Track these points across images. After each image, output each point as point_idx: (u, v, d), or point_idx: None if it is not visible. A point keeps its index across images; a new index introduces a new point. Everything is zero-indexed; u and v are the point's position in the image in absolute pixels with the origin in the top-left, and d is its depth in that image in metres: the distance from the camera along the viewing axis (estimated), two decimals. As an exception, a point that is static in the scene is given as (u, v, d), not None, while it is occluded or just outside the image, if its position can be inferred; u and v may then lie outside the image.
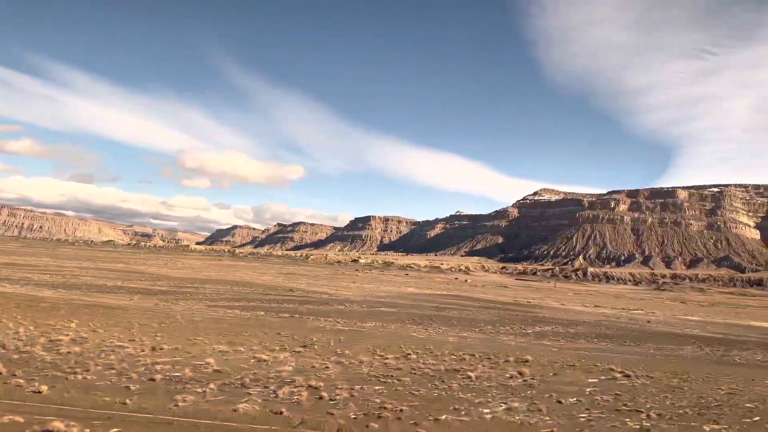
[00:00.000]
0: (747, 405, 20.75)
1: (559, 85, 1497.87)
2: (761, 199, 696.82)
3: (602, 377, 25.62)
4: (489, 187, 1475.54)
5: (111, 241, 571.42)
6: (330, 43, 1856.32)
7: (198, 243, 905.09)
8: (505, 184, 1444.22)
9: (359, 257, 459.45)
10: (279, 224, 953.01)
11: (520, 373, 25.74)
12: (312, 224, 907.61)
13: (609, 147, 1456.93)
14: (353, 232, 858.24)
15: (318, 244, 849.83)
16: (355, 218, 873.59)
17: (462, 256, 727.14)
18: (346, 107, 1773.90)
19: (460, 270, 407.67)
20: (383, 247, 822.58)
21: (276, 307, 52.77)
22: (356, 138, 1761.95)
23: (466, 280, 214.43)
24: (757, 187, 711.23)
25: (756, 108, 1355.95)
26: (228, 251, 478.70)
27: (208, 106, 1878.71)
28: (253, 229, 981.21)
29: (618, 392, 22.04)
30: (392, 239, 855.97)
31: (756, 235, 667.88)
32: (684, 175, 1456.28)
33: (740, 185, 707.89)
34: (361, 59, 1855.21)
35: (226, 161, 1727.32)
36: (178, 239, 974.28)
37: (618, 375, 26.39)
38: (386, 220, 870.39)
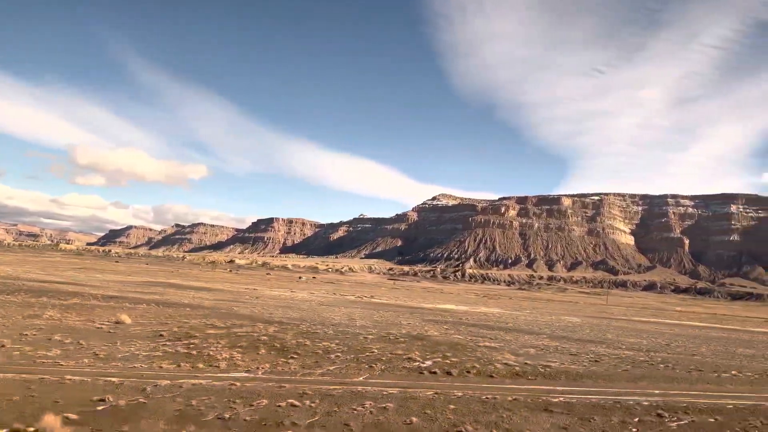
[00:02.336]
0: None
1: (465, 96, 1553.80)
2: (636, 207, 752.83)
3: None
4: (400, 191, 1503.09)
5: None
6: (242, 43, 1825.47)
7: (90, 243, 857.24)
8: (414, 188, 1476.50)
9: (236, 258, 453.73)
10: (177, 225, 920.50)
11: None
12: (212, 225, 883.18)
13: (510, 156, 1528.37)
14: (255, 234, 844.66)
15: (218, 246, 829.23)
16: (258, 220, 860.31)
17: (362, 258, 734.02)
18: (257, 108, 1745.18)
19: (337, 271, 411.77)
20: (286, 250, 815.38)
21: None
22: (266, 139, 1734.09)
23: (300, 277, 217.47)
24: (633, 196, 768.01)
25: (641, 125, 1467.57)
26: (103, 252, 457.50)
27: (108, 101, 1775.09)
28: (150, 229, 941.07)
29: None
30: (296, 241, 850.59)
31: (630, 240, 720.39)
32: (577, 184, 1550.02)
33: (618, 194, 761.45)
34: (273, 61, 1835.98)
35: (123, 158, 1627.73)
36: (68, 239, 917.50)
37: None
38: (290, 222, 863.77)
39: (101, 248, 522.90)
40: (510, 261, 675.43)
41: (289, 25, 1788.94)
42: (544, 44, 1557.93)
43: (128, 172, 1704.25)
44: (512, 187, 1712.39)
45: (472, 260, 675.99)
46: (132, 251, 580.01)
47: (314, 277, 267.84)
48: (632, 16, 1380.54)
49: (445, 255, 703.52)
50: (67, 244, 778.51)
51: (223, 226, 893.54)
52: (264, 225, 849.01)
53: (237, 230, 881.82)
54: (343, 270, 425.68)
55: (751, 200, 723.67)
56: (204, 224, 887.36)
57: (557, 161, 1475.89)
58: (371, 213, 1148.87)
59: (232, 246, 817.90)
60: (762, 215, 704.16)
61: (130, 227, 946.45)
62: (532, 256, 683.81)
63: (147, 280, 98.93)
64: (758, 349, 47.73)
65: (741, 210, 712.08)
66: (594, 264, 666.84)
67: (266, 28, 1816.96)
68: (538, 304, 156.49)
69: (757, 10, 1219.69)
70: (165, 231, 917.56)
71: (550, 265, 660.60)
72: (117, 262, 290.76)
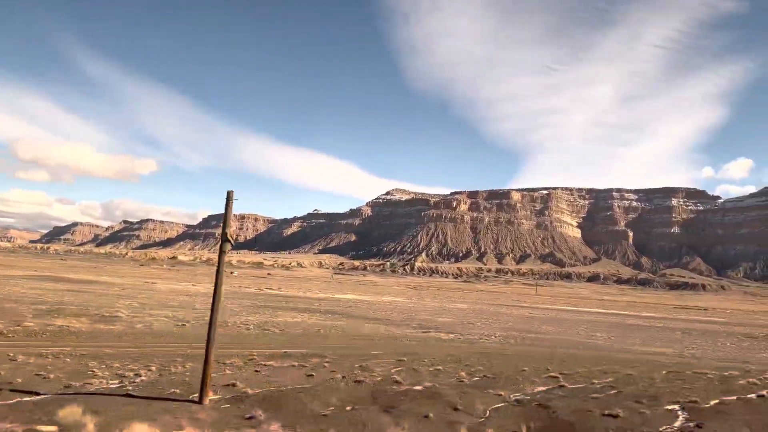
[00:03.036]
0: None
1: (421, 92, 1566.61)
2: (583, 201, 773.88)
3: None
4: (357, 186, 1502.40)
5: None
6: (194, 38, 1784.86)
7: (33, 241, 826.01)
8: (372, 183, 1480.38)
9: (181, 255, 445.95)
10: (125, 221, 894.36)
11: None
12: (162, 222, 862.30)
13: (465, 151, 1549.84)
14: (206, 230, 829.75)
15: (168, 243, 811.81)
16: (209, 216, 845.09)
17: (315, 253, 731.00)
18: (210, 102, 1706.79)
19: (283, 266, 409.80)
20: (238, 246, 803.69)
21: None
22: (220, 134, 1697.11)
23: (232, 272, 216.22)
24: (580, 190, 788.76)
25: (591, 121, 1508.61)
26: (41, 249, 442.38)
27: (52, 94, 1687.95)
28: (97, 226, 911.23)
29: None
30: (248, 237, 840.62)
31: (577, 233, 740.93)
32: (530, 179, 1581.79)
33: (566, 188, 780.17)
34: (228, 56, 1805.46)
35: (68, 153, 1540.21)
36: (10, 237, 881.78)
37: None
38: (242, 218, 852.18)
39: (42, 246, 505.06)
40: (461, 254, 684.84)
41: (243, 18, 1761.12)
42: (498, 42, 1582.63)
43: (74, 167, 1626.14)
44: (467, 182, 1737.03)
45: (424, 254, 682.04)
46: (76, 249, 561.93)
47: (269, 274, 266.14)
48: (582, 15, 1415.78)
49: (398, 249, 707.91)
50: (8, 242, 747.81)
51: (173, 222, 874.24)
52: (215, 221, 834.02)
53: (188, 226, 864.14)
54: (290, 265, 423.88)
55: (691, 194, 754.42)
56: (153, 220, 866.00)
57: (511, 156, 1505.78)
58: (328, 208, 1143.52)
59: (182, 242, 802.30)
60: (700, 208, 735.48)
61: (75, 224, 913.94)
62: (483, 249, 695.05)
63: (42, 275, 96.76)
64: (561, 326, 51.76)
65: (681, 203, 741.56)
66: (542, 256, 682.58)
67: (219, 21, 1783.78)
68: (457, 294, 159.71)
69: (698, 11, 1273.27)
70: (112, 228, 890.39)
71: (500, 258, 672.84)
72: (63, 259, 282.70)
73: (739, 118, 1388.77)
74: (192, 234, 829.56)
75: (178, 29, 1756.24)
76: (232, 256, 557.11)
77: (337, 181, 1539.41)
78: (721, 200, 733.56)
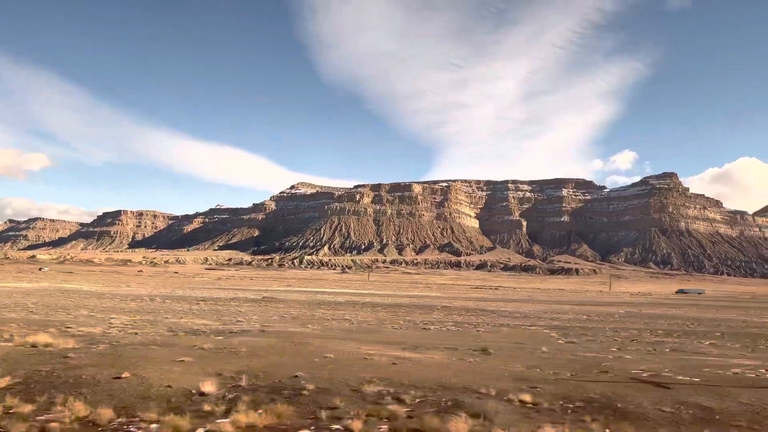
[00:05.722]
0: None
1: (333, 86, 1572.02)
2: (480, 192, 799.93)
3: None
4: (265, 179, 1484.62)
5: None
6: (96, 28, 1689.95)
7: None
8: (281, 176, 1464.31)
9: (45, 255, 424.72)
10: (11, 221, 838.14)
11: None
12: (52, 220, 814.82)
13: (378, 146, 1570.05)
14: (101, 228, 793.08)
15: (59, 242, 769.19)
16: (104, 213, 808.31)
17: (215, 250, 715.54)
18: (113, 96, 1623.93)
19: (152, 263, 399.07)
20: (135, 244, 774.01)
21: None
22: (124, 128, 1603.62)
23: (40, 268, 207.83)
24: (478, 182, 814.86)
25: (496, 116, 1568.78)
26: None
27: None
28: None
29: None
30: (146, 235, 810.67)
31: (475, 224, 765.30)
32: (441, 172, 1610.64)
33: (465, 180, 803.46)
34: (132, 47, 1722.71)
35: None
36: None
37: None
38: (140, 214, 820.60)
39: None
40: (363, 247, 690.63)
41: (146, 8, 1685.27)
42: (406, 38, 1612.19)
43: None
44: (379, 175, 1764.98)
45: (326, 248, 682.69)
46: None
47: (142, 269, 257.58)
48: (483, 14, 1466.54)
49: (300, 243, 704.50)
50: None
51: (65, 221, 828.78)
52: (111, 218, 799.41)
53: (81, 225, 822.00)
54: (163, 261, 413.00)
55: (580, 184, 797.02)
56: (43, 219, 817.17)
57: (422, 150, 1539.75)
58: (235, 203, 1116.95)
59: (74, 242, 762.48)
60: (588, 198, 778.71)
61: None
62: (384, 241, 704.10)
63: None
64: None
65: (571, 193, 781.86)
66: (441, 247, 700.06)
67: (121, 11, 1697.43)
68: (256, 282, 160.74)
69: (591, 14, 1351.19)
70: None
71: (400, 249, 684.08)
72: None
73: (627, 113, 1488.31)
74: (85, 233, 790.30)
75: (75, 19, 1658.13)
76: (107, 254, 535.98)
77: (245, 174, 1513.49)
78: (607, 190, 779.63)
